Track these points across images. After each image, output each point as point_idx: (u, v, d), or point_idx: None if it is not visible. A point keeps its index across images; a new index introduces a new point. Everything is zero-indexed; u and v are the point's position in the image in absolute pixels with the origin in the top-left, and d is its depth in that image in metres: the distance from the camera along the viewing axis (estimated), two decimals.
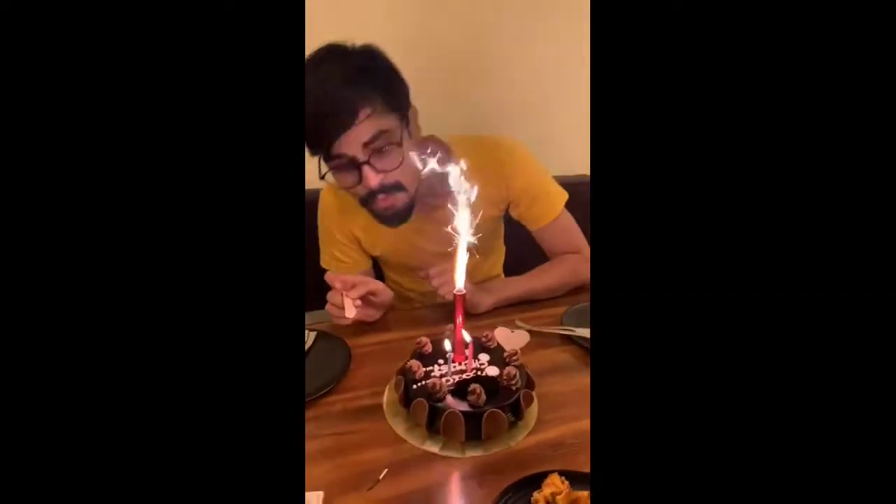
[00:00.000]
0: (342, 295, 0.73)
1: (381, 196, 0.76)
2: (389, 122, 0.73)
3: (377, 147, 0.73)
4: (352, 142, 0.71)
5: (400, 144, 0.75)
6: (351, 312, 0.72)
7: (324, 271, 1.00)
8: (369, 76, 0.71)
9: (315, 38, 1.05)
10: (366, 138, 0.71)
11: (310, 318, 0.83)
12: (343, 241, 0.95)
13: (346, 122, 0.69)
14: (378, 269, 1.06)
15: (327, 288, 0.77)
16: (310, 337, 0.74)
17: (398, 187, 0.77)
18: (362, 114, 0.70)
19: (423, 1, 1.15)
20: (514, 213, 0.98)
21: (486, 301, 0.86)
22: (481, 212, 0.87)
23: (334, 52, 0.72)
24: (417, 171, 0.68)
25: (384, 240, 0.94)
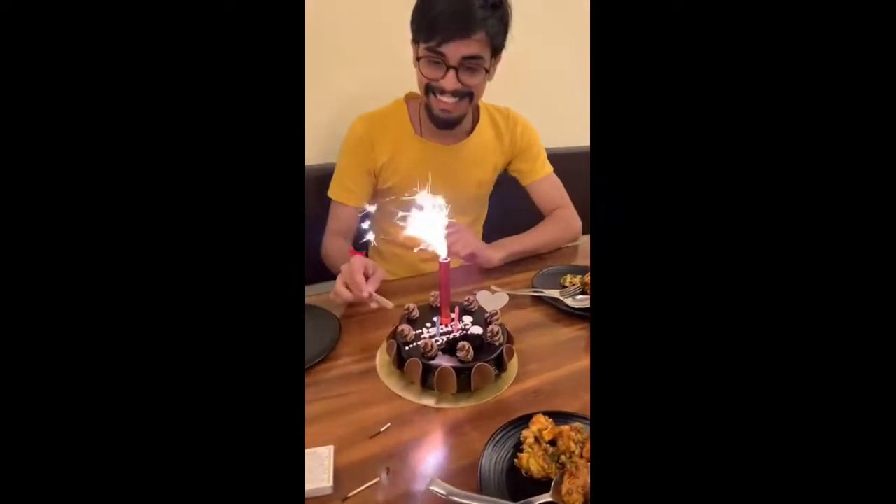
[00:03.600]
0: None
1: (448, 99, 0.89)
2: (487, 52, 0.87)
3: (469, 65, 0.86)
4: (456, 50, 0.83)
5: (487, 71, 0.89)
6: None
7: (314, 250, 1.03)
8: (496, 12, 0.84)
9: (315, 31, 1.04)
10: (466, 53, 0.84)
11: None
12: (358, 171, 1.01)
13: (464, 32, 0.82)
14: (368, 255, 1.08)
15: (309, 262, 0.80)
16: None
17: (469, 95, 0.90)
18: (477, 35, 0.83)
19: None
20: (512, 168, 1.13)
21: (497, 255, 0.96)
22: (492, 161, 1.05)
23: None
24: (482, 90, 0.90)
25: (405, 167, 1.01)
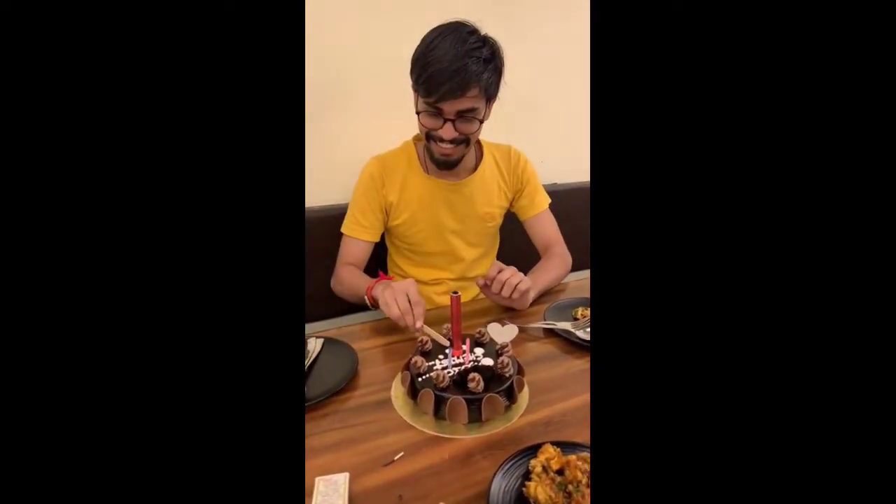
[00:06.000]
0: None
1: (447, 146, 0.95)
2: (482, 104, 0.93)
3: (465, 116, 0.92)
4: (452, 106, 0.90)
5: (481, 121, 0.96)
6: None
7: (326, 286, 1.08)
8: (489, 66, 0.90)
9: (317, 47, 1.13)
10: (461, 108, 0.90)
11: (319, 326, 0.90)
12: (370, 208, 1.07)
13: (458, 92, 0.88)
14: (381, 263, 1.13)
15: (330, 299, 0.88)
16: (318, 343, 0.80)
17: (465, 141, 0.97)
18: (472, 92, 0.88)
19: (424, 7, 1.24)
20: (514, 206, 1.17)
21: (531, 298, 0.97)
22: (497, 197, 1.13)
23: (472, 32, 0.89)
24: (478, 134, 0.98)
25: (414, 203, 1.07)
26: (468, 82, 0.86)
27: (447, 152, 0.96)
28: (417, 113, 0.95)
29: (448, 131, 0.92)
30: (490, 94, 0.93)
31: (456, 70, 0.85)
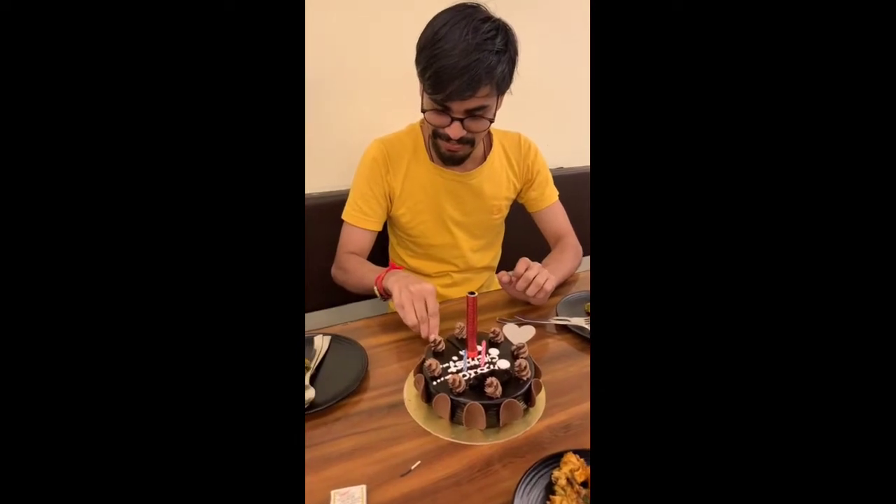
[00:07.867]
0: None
1: (453, 144, 0.90)
2: (493, 100, 0.86)
3: (474, 114, 0.85)
4: (461, 105, 0.83)
5: (491, 120, 0.89)
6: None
7: (324, 275, 1.05)
8: (503, 58, 0.81)
9: (318, 34, 1.07)
10: (472, 107, 0.84)
11: (318, 316, 0.87)
12: (373, 194, 1.01)
13: (468, 92, 0.80)
14: (384, 258, 1.10)
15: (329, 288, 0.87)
16: (325, 341, 0.77)
17: (470, 141, 0.92)
18: (482, 91, 0.81)
19: None
20: (523, 197, 1.13)
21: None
22: (505, 189, 1.08)
23: (485, 20, 0.80)
24: (485, 132, 0.91)
25: (418, 193, 1.02)
26: (479, 80, 0.78)
27: (454, 149, 0.92)
28: (423, 111, 0.89)
29: (456, 130, 0.86)
30: (502, 89, 0.86)
31: (466, 66, 0.77)
